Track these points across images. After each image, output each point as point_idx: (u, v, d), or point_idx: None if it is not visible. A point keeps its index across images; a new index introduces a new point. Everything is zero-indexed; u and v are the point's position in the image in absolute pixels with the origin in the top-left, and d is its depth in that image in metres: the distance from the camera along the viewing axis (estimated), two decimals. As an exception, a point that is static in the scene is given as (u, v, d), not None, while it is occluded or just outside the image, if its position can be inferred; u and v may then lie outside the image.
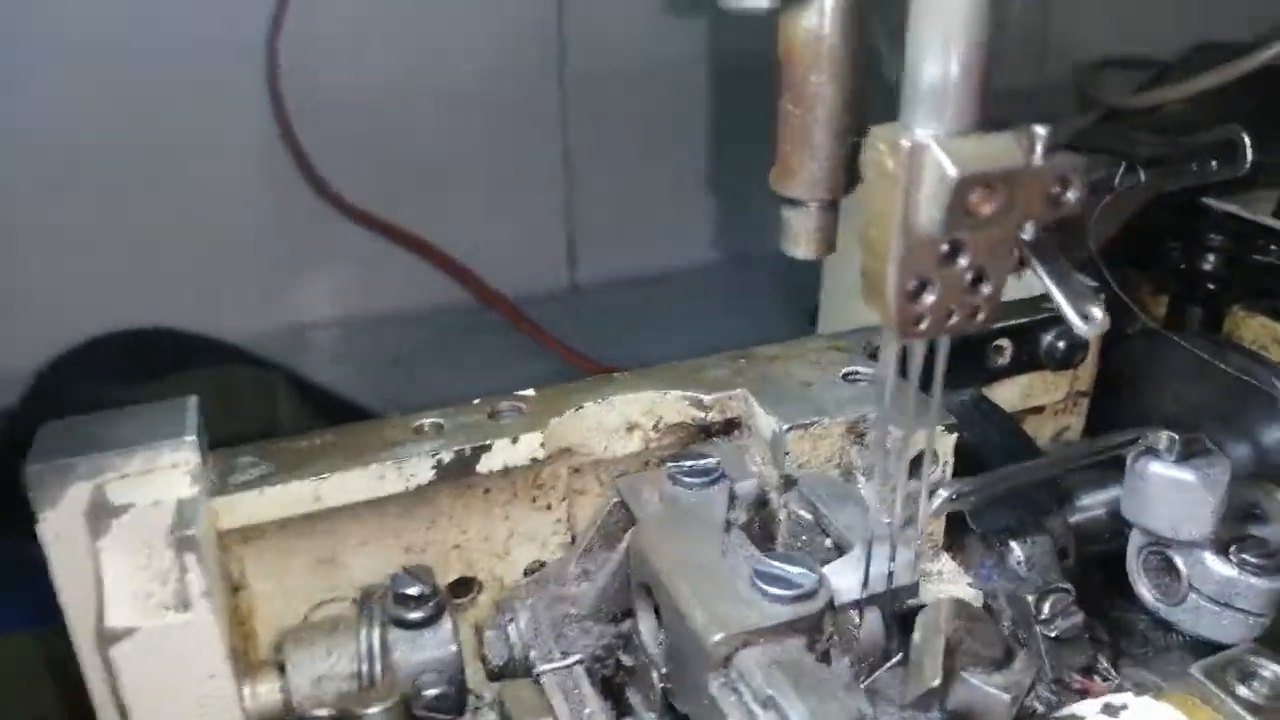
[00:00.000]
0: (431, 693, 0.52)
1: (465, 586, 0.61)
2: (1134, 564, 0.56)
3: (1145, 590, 0.56)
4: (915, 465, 0.55)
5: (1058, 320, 0.67)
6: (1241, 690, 0.45)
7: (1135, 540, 0.56)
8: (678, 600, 0.47)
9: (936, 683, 0.42)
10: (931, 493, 0.51)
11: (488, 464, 0.56)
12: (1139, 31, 1.34)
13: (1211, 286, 0.77)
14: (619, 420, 0.60)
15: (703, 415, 0.60)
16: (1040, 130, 0.38)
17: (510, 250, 1.54)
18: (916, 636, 0.45)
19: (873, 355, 0.64)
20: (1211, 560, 0.52)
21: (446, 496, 0.57)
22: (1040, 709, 0.50)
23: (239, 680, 0.51)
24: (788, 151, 0.46)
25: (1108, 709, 0.45)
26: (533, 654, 0.55)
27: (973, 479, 0.52)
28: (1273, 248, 0.73)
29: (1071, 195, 0.40)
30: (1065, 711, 0.45)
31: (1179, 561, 0.53)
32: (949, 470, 0.57)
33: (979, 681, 0.44)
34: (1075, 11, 1.60)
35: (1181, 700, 0.46)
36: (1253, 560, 0.51)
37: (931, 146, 0.37)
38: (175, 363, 1.17)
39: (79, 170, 1.21)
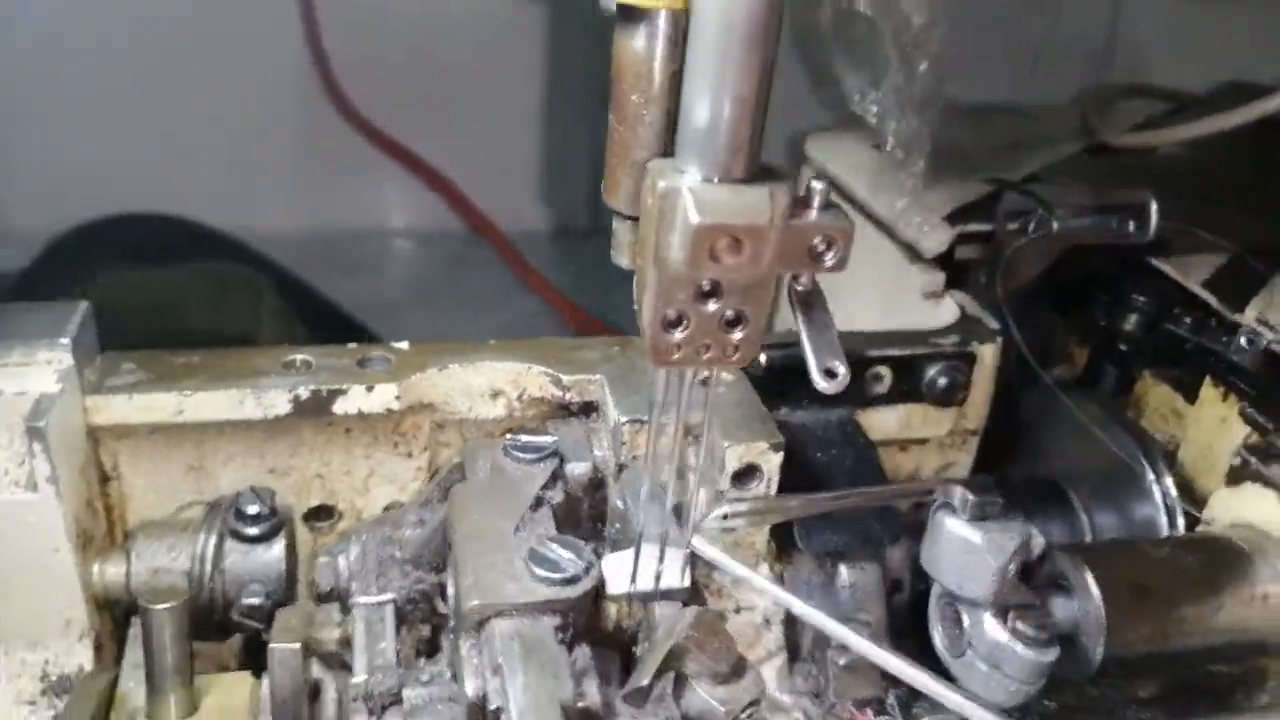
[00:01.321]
0: (250, 601, 0.57)
1: (328, 513, 0.66)
2: (933, 610, 0.58)
3: (937, 638, 0.58)
4: (741, 477, 0.59)
5: (943, 356, 0.69)
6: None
7: (936, 587, 0.58)
8: (459, 563, 0.51)
9: (644, 682, 0.46)
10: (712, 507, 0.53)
11: (343, 407, 0.60)
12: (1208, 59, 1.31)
13: (1124, 348, 0.77)
14: (485, 385, 0.64)
15: (561, 395, 0.63)
16: (783, 188, 0.40)
17: (533, 184, 1.57)
18: (654, 637, 0.48)
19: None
20: (988, 622, 0.53)
21: (308, 430, 0.62)
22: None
23: (88, 558, 0.57)
24: (612, 165, 0.48)
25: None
26: (354, 585, 0.59)
27: (749, 502, 0.55)
28: (1187, 319, 0.73)
29: (832, 256, 0.42)
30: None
31: (964, 616, 0.55)
32: (773, 486, 0.59)
33: (702, 691, 0.48)
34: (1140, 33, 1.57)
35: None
36: (1025, 630, 0.53)
37: (683, 191, 0.39)
38: (176, 249, 1.23)
39: (115, 59, 1.28)
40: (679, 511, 0.54)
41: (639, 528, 0.52)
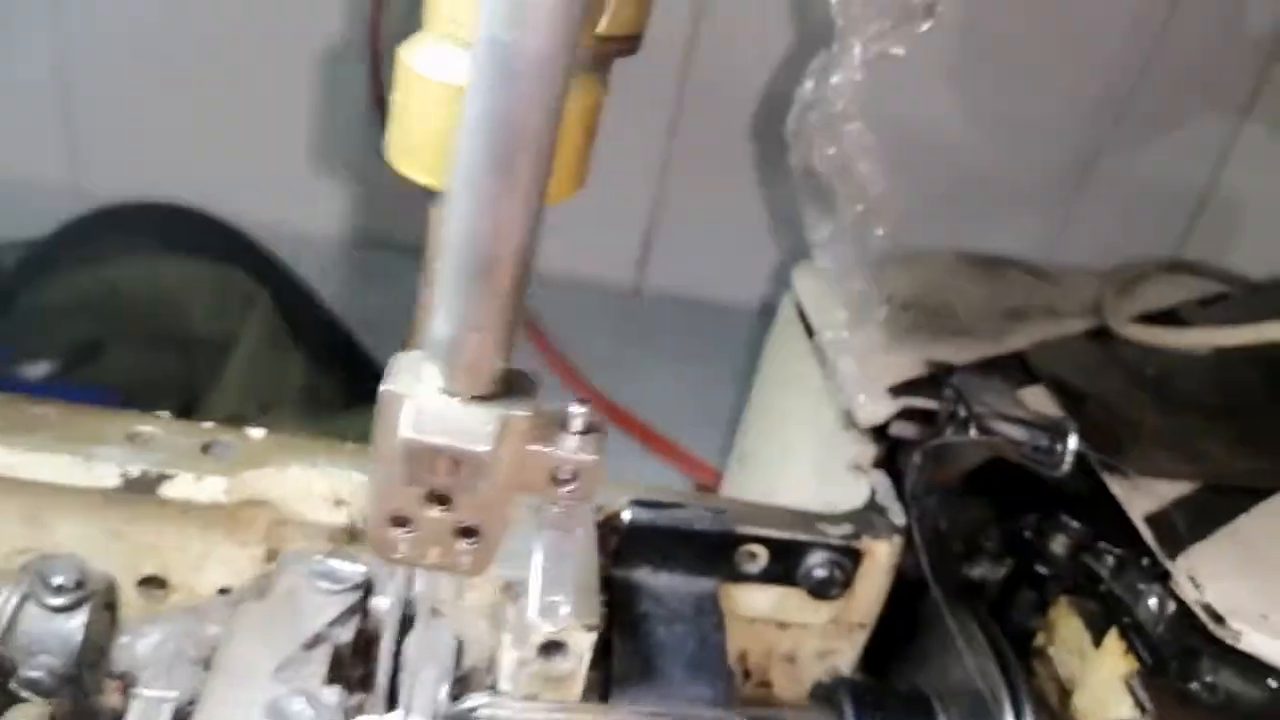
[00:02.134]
0: (32, 673, 0.56)
1: (161, 583, 0.65)
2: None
3: None
4: (548, 650, 0.55)
5: (827, 547, 0.65)
6: None
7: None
8: (203, 694, 0.49)
9: None
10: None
11: (170, 491, 0.59)
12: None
13: (1041, 570, 0.71)
14: (327, 491, 0.62)
15: (399, 517, 0.61)
16: (519, 414, 0.37)
17: (578, 235, 1.56)
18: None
19: (606, 519, 0.64)
20: None
21: (143, 504, 0.61)
22: None
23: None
24: (419, 318, 0.46)
25: None
26: (145, 674, 0.58)
27: (521, 704, 0.51)
28: (1110, 555, 0.67)
29: (576, 488, 0.39)
30: None
31: None
32: (584, 665, 0.56)
33: None
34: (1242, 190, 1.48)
35: None
36: None
37: (405, 401, 0.37)
38: (190, 244, 1.25)
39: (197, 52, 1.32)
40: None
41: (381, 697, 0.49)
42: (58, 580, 0.57)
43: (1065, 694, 0.69)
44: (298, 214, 1.44)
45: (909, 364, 0.79)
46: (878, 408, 0.75)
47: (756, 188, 1.54)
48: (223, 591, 0.65)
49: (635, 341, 1.52)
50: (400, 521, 0.40)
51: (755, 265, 1.59)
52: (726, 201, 1.54)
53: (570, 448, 0.38)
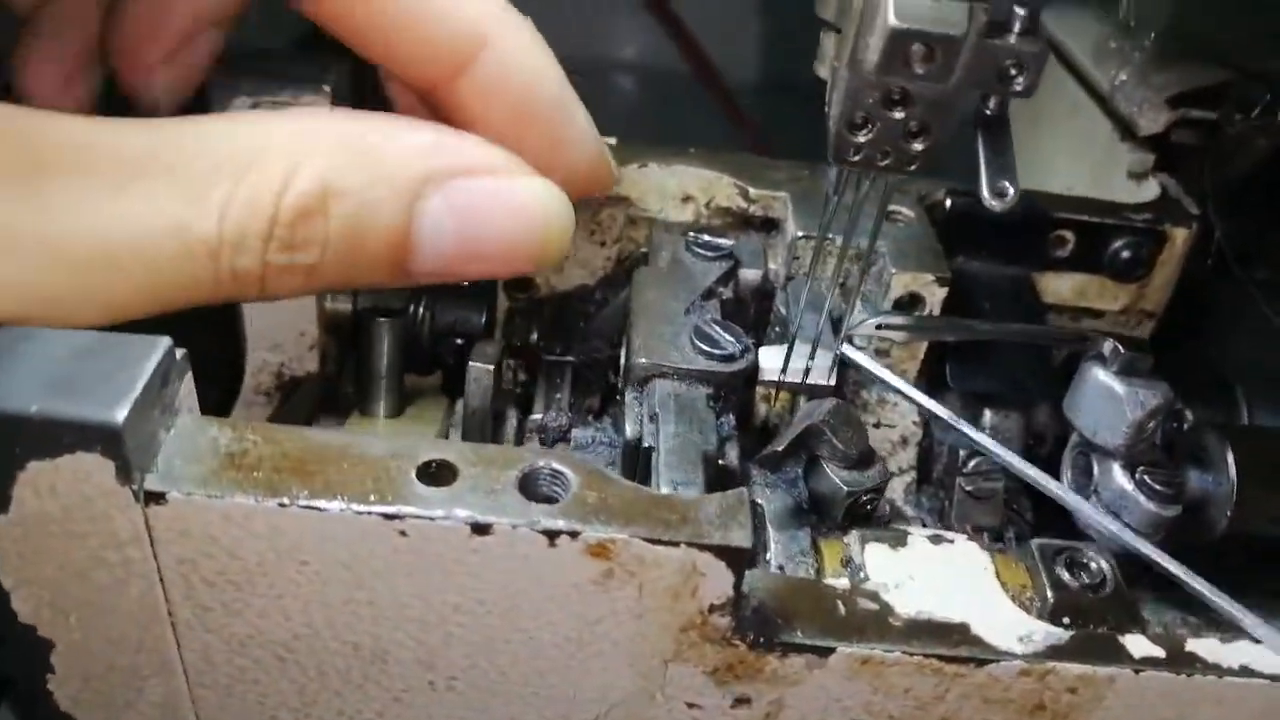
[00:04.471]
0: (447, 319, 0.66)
1: (527, 285, 0.73)
2: (1066, 456, 0.61)
3: (1065, 480, 0.61)
4: (903, 305, 0.62)
5: (1131, 230, 0.70)
6: (1061, 573, 0.51)
7: (1074, 437, 0.60)
8: (633, 328, 0.57)
9: (777, 449, 0.51)
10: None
11: (550, 185, 0.66)
12: None
13: (1330, 254, 0.74)
14: (677, 188, 0.69)
15: (746, 207, 0.68)
16: (981, 4, 0.42)
17: (765, 37, 1.58)
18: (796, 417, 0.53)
19: (929, 207, 0.69)
20: (1116, 470, 0.56)
21: (518, 204, 0.69)
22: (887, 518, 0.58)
23: (322, 285, 0.66)
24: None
25: (935, 538, 0.52)
26: (543, 345, 0.67)
27: (903, 317, 0.58)
28: None
29: (1021, 82, 0.44)
30: (900, 527, 0.53)
31: (1095, 463, 0.58)
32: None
33: (830, 470, 0.52)
34: None
35: (1005, 559, 0.52)
36: (1150, 483, 0.55)
37: (888, -1, 0.42)
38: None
39: None
40: (837, 321, 0.59)
41: (795, 327, 0.56)
42: (463, 265, 0.66)
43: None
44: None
45: (1185, 77, 0.81)
46: (1159, 116, 0.78)
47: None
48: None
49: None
50: (859, 126, 0.45)
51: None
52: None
53: (1020, 43, 0.43)
